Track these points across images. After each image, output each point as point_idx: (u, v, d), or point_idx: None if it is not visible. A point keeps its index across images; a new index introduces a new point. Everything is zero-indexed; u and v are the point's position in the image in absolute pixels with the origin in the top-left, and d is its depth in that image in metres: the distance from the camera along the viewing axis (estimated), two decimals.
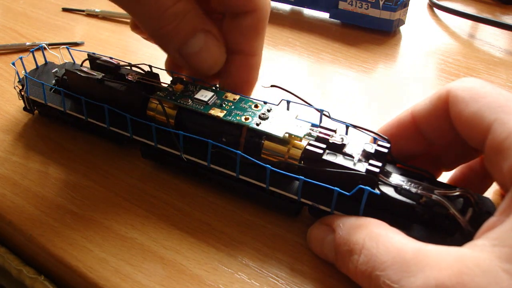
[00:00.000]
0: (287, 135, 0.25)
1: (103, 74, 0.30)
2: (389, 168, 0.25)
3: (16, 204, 0.28)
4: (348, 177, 0.23)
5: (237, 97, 0.28)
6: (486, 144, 0.20)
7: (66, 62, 0.36)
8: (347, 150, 0.24)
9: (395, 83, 0.41)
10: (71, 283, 0.26)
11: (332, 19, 0.51)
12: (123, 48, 0.45)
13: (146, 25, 0.25)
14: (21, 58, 0.33)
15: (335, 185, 0.23)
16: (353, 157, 0.24)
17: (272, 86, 0.29)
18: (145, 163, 0.31)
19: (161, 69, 0.32)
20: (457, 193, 0.22)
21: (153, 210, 0.28)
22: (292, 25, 0.51)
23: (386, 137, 0.25)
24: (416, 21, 0.53)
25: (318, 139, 0.25)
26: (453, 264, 0.18)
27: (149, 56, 0.44)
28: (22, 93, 0.33)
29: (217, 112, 0.26)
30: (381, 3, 0.47)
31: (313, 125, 0.26)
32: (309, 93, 0.39)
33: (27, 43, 0.45)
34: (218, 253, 0.25)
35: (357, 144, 0.25)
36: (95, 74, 0.30)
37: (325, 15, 0.52)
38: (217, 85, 0.30)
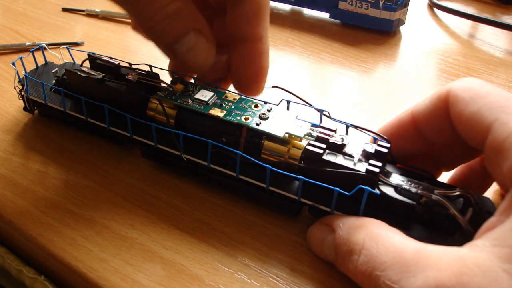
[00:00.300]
0: (287, 135, 0.25)
1: (103, 74, 0.30)
2: (389, 168, 0.25)
3: (16, 204, 0.28)
4: (348, 177, 0.23)
5: (237, 97, 0.28)
6: (486, 144, 0.20)
7: (66, 62, 0.36)
8: (347, 150, 0.24)
9: (395, 83, 0.41)
10: (71, 283, 0.26)
11: (332, 19, 0.51)
12: (123, 48, 0.45)
13: (140, 22, 0.25)
14: (21, 58, 0.33)
15: (335, 185, 0.23)
16: (353, 157, 0.24)
17: (272, 86, 0.29)
18: (145, 163, 0.31)
19: (161, 69, 0.32)
20: (457, 193, 0.22)
21: (153, 210, 0.28)
22: (292, 25, 0.51)
23: (386, 137, 0.25)
24: (416, 21, 0.53)
25: (318, 139, 0.25)
26: (453, 264, 0.18)
27: (149, 56, 0.44)
28: (22, 93, 0.33)
29: (217, 112, 0.26)
30: (381, 3, 0.47)
31: (313, 125, 0.26)
32: (309, 93, 0.39)
33: (27, 43, 0.45)
34: (218, 253, 0.25)
35: (357, 144, 0.25)
36: (95, 74, 0.30)
37: (325, 15, 0.52)
38: (218, 85, 0.30)
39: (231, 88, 0.30)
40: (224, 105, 0.27)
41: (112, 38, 0.48)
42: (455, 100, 0.22)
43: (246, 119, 0.26)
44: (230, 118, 0.26)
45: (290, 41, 0.47)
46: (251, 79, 0.29)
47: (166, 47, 0.26)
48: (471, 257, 0.18)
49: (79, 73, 0.30)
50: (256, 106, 0.27)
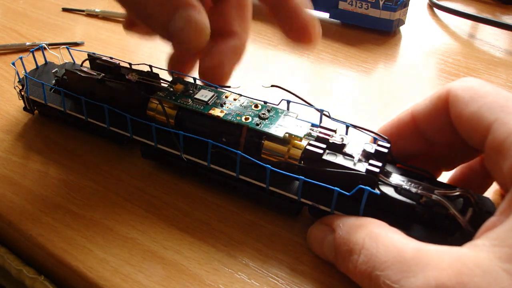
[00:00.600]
0: (287, 135, 0.25)
1: (103, 74, 0.30)
2: (389, 168, 0.25)
3: (16, 204, 0.28)
4: (348, 177, 0.23)
5: (238, 97, 0.28)
6: (486, 144, 0.20)
7: (66, 62, 0.36)
8: (347, 150, 0.24)
9: (395, 83, 0.41)
10: (71, 283, 0.26)
11: (332, 19, 0.51)
12: (123, 48, 0.45)
13: (131, 7, 0.26)
14: (21, 58, 0.33)
15: (335, 185, 0.23)
16: (353, 157, 0.24)
17: (272, 86, 0.29)
18: (145, 163, 0.31)
19: (161, 69, 0.32)
20: (457, 193, 0.22)
21: (153, 210, 0.28)
22: None
23: (386, 137, 0.25)
24: (416, 21, 0.53)
25: (318, 139, 0.25)
26: (453, 264, 0.18)
27: (149, 56, 0.44)
28: (22, 93, 0.33)
29: (217, 112, 0.26)
30: (381, 3, 0.47)
31: (313, 125, 0.26)
32: (309, 93, 0.39)
33: (27, 43, 0.45)
34: (218, 253, 0.25)
35: (357, 144, 0.25)
36: (95, 74, 0.30)
37: (325, 15, 0.52)
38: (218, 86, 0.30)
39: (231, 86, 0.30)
40: (224, 105, 0.27)
41: (112, 38, 0.48)
42: (455, 100, 0.22)
43: (246, 119, 0.26)
44: (230, 118, 0.26)
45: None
46: (216, 70, 0.30)
47: (162, 29, 0.26)
48: (471, 257, 0.18)
49: (79, 73, 0.30)
50: (256, 106, 0.27)
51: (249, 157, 0.25)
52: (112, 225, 0.27)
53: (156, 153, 0.29)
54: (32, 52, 0.34)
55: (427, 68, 0.44)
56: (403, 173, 0.24)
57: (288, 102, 0.29)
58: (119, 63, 0.31)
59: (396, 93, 0.40)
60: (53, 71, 0.34)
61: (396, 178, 0.24)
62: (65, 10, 0.54)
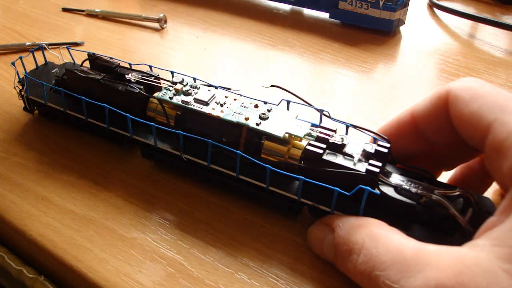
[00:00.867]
0: (287, 135, 0.25)
1: (103, 74, 0.30)
2: (389, 168, 0.25)
3: (16, 204, 0.28)
4: (348, 177, 0.23)
5: (237, 97, 0.28)
6: (486, 143, 0.20)
7: (66, 62, 0.36)
8: (347, 150, 0.24)
9: (395, 83, 0.41)
10: (71, 283, 0.26)
11: (332, 19, 0.51)
12: (123, 48, 0.45)
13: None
14: (21, 58, 0.33)
15: (335, 185, 0.23)
16: (353, 157, 0.24)
17: (272, 86, 0.29)
18: (145, 163, 0.31)
19: (161, 69, 0.32)
20: (457, 193, 0.22)
21: (153, 210, 0.28)
22: (292, 25, 0.51)
23: (386, 137, 0.25)
24: (416, 21, 0.53)
25: (318, 139, 0.25)
26: (453, 264, 0.18)
27: (149, 56, 0.44)
28: (22, 93, 0.33)
29: (217, 112, 0.26)
30: (381, 3, 0.47)
31: (313, 125, 0.26)
32: (309, 93, 0.39)
33: (27, 43, 0.45)
34: (218, 253, 0.25)
35: (357, 144, 0.25)
36: (95, 74, 0.30)
37: (325, 15, 0.52)
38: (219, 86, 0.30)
39: (232, 88, 0.30)
40: (224, 105, 0.27)
41: (112, 38, 0.48)
42: (454, 99, 0.22)
43: (246, 119, 0.26)
44: (230, 118, 0.26)
45: (290, 41, 0.47)
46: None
47: None
48: (471, 256, 0.18)
49: (79, 73, 0.30)
50: (256, 106, 0.27)
51: (249, 157, 0.25)
52: (112, 225, 0.27)
53: (156, 153, 0.29)
54: (32, 52, 0.34)
55: (427, 68, 0.44)
56: (403, 173, 0.24)
57: (288, 102, 0.29)
58: (119, 63, 0.31)
59: (396, 93, 0.40)
60: (53, 71, 0.34)
61: (396, 178, 0.24)
62: (65, 10, 0.54)
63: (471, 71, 0.43)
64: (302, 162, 0.25)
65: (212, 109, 0.27)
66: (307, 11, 0.54)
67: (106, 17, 0.52)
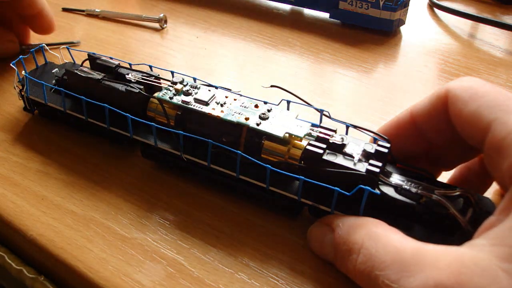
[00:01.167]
0: (287, 135, 0.25)
1: (103, 74, 0.30)
2: (389, 168, 0.25)
3: (16, 204, 0.28)
4: (348, 177, 0.23)
5: (238, 97, 0.28)
6: (485, 143, 0.20)
7: (66, 62, 0.36)
8: (347, 150, 0.24)
9: (395, 83, 0.41)
10: (71, 283, 0.26)
11: (332, 19, 0.51)
12: (123, 48, 0.45)
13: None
14: (21, 58, 0.33)
15: (335, 185, 0.23)
16: (353, 157, 0.24)
17: (272, 86, 0.29)
18: (145, 163, 0.31)
19: (161, 69, 0.32)
20: (457, 193, 0.22)
21: (153, 210, 0.28)
22: (292, 25, 0.51)
23: (386, 137, 0.25)
24: (416, 21, 0.53)
25: (318, 139, 0.25)
26: (452, 263, 0.18)
27: (149, 56, 0.44)
28: (22, 93, 0.33)
29: (217, 112, 0.26)
30: (381, 3, 0.47)
31: (313, 125, 0.26)
32: (309, 93, 0.39)
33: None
34: (218, 253, 0.25)
35: (357, 144, 0.25)
36: (95, 74, 0.30)
37: (325, 15, 0.52)
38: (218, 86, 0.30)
39: (232, 89, 0.30)
40: (224, 105, 0.27)
41: (112, 38, 0.48)
42: (454, 99, 0.22)
43: (246, 119, 0.26)
44: (230, 118, 0.26)
45: (290, 41, 0.47)
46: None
47: None
48: (470, 256, 0.18)
49: (79, 73, 0.30)
50: (256, 106, 0.27)
51: (249, 157, 0.25)
52: (112, 225, 0.27)
53: (156, 153, 0.29)
54: (32, 52, 0.34)
55: (427, 68, 0.44)
56: (403, 173, 0.24)
57: (288, 102, 0.29)
58: (119, 63, 0.31)
59: (396, 93, 0.40)
60: (53, 71, 0.34)
61: (396, 178, 0.24)
62: (65, 10, 0.54)
63: (471, 71, 0.43)
64: (302, 162, 0.25)
65: (212, 109, 0.27)
66: (307, 11, 0.54)
67: (106, 17, 0.52)
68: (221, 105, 0.27)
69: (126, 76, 0.30)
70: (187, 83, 0.29)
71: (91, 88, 0.30)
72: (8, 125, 0.34)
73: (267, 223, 0.27)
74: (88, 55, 0.32)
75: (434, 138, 0.25)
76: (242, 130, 0.26)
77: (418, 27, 0.52)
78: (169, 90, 0.28)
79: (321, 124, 0.26)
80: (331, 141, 0.25)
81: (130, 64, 0.32)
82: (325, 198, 0.24)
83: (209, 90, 0.28)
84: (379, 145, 0.24)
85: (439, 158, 0.26)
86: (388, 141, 0.24)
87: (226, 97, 0.28)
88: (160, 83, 0.30)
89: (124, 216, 0.27)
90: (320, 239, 0.24)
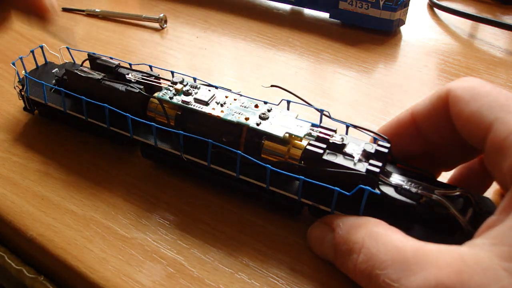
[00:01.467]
0: (287, 135, 0.25)
1: (103, 74, 0.30)
2: (389, 168, 0.25)
3: (16, 204, 0.28)
4: (348, 177, 0.23)
5: (238, 97, 0.28)
6: (486, 143, 0.20)
7: (66, 62, 0.36)
8: (347, 150, 0.24)
9: (395, 83, 0.41)
10: (71, 283, 0.26)
11: (332, 19, 0.51)
12: (123, 48, 0.45)
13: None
14: (21, 58, 0.33)
15: (335, 185, 0.23)
16: (353, 157, 0.24)
17: (272, 86, 0.29)
18: (145, 163, 0.31)
19: (161, 69, 0.32)
20: (457, 193, 0.22)
21: (153, 210, 0.28)
22: (292, 25, 0.51)
23: (386, 137, 0.25)
24: (416, 21, 0.53)
25: (318, 139, 0.25)
26: (453, 262, 0.18)
27: (149, 56, 0.44)
28: (22, 93, 0.33)
29: (217, 112, 0.26)
30: (381, 3, 0.47)
31: (313, 125, 0.26)
32: (309, 93, 0.39)
33: None
34: (218, 253, 0.25)
35: (357, 144, 0.25)
36: (95, 74, 0.30)
37: (325, 15, 0.52)
38: (219, 86, 0.30)
39: (232, 89, 0.30)
40: (224, 105, 0.27)
41: (112, 38, 0.48)
42: (455, 99, 0.22)
43: (246, 119, 0.26)
44: (230, 118, 0.26)
45: (290, 41, 0.47)
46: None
47: None
48: (471, 255, 0.18)
49: (79, 73, 0.30)
50: (256, 106, 0.27)
51: (249, 157, 0.25)
52: (112, 225, 0.27)
53: (156, 153, 0.29)
54: (32, 52, 0.34)
55: (427, 68, 0.44)
56: (403, 173, 0.24)
57: (288, 102, 0.29)
58: (119, 63, 0.31)
59: (396, 93, 0.40)
60: (53, 71, 0.34)
61: (396, 178, 0.24)
62: (65, 10, 0.54)
63: (471, 71, 0.43)
64: (302, 162, 0.25)
65: (212, 109, 0.27)
66: (307, 11, 0.54)
67: (106, 17, 0.52)
68: (221, 105, 0.27)
69: (126, 76, 0.30)
70: (187, 83, 0.29)
71: (91, 88, 0.30)
72: (8, 125, 0.34)
73: (267, 223, 0.27)
74: (88, 55, 0.32)
75: (435, 138, 0.25)
76: (242, 130, 0.26)
77: (418, 27, 0.52)
78: (169, 90, 0.28)
79: (321, 124, 0.26)
80: (331, 141, 0.25)
81: (130, 64, 0.32)
82: (325, 198, 0.24)
83: (209, 90, 0.28)
84: (379, 145, 0.24)
85: (439, 158, 0.26)
86: (388, 141, 0.24)
87: (226, 97, 0.28)
88: (160, 83, 0.30)
89: (124, 216, 0.27)
90: (320, 239, 0.24)
